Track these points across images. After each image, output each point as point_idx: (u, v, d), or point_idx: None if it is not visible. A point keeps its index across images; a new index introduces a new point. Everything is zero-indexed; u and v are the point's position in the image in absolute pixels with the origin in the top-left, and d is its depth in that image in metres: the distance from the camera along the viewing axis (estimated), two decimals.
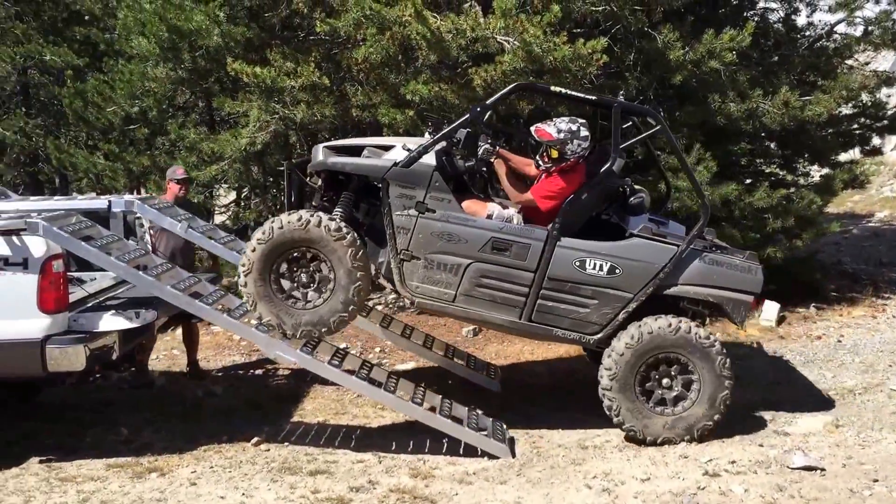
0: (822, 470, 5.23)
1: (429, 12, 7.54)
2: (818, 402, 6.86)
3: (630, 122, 6.21)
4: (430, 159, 5.62)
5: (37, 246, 5.37)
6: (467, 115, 5.65)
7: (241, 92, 9.17)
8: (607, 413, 5.72)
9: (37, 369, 5.44)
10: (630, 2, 8.09)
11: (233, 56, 8.99)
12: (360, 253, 5.55)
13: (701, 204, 5.98)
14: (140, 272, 5.55)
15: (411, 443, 5.95)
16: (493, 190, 6.34)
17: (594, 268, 5.61)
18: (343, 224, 5.56)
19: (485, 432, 5.69)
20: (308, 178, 6.08)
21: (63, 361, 5.44)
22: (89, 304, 5.88)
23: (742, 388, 7.26)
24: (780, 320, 9.40)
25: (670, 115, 9.19)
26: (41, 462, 5.73)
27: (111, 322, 5.64)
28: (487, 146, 5.84)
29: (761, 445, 5.72)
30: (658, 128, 5.80)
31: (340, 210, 5.80)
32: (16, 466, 5.63)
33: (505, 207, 5.88)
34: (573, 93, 5.86)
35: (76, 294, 5.85)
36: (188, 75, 9.80)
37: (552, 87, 5.84)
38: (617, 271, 5.63)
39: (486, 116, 5.77)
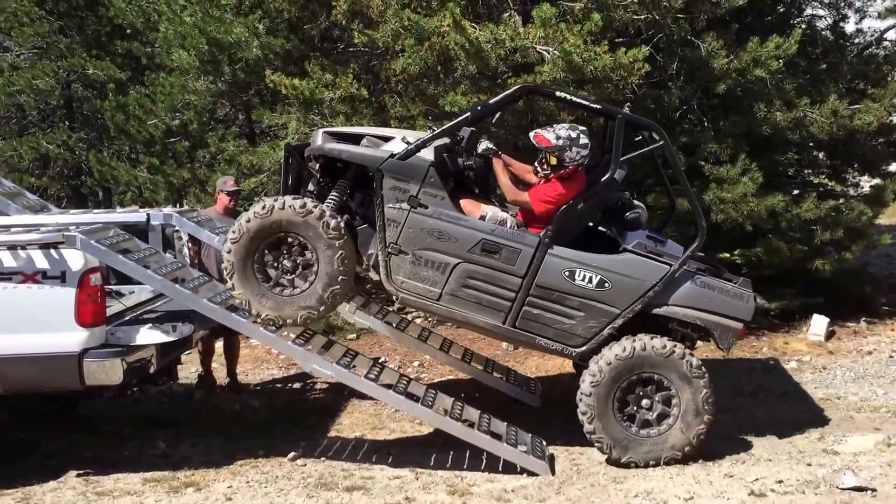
0: (874, 491, 5.04)
1: (467, 22, 7.46)
2: (869, 419, 6.62)
3: (640, 137, 6.08)
4: (427, 154, 5.52)
5: (75, 259, 5.38)
6: (468, 114, 5.56)
7: (280, 104, 9.17)
8: (579, 418, 5.59)
9: (74, 383, 5.44)
10: (673, 10, 7.94)
11: (272, 68, 9.00)
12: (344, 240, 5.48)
13: (698, 225, 5.78)
14: (176, 285, 5.53)
15: (449, 458, 5.84)
16: (491, 191, 6.23)
17: (583, 279, 5.50)
18: (333, 216, 5.47)
19: (524, 448, 5.56)
20: (307, 163, 5.97)
21: (100, 375, 5.44)
22: (127, 318, 5.88)
23: (789, 404, 7.06)
24: (830, 335, 9.12)
25: (714, 125, 9.01)
26: (79, 475, 5.73)
27: (148, 336, 5.63)
28: (489, 143, 5.78)
29: (809, 465, 5.52)
30: (661, 143, 5.64)
31: (334, 198, 5.69)
32: (54, 480, 5.64)
33: (501, 211, 5.78)
34: (578, 99, 5.76)
35: (114, 307, 5.85)
36: (228, 88, 9.84)
37: (557, 92, 5.74)
38: (606, 285, 5.51)
39: (495, 118, 5.73)
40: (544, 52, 7.51)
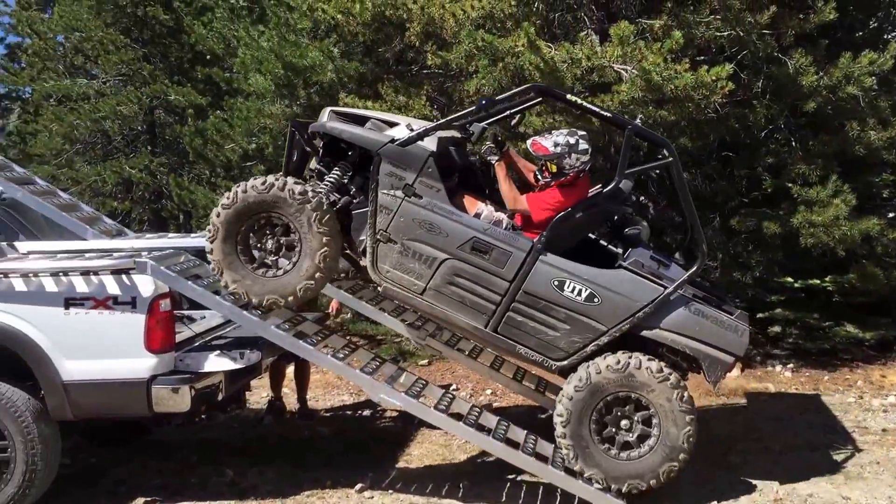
0: None
1: (542, 42, 7.28)
2: None
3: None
4: (430, 144, 5.34)
5: (145, 285, 5.34)
6: (474, 107, 5.38)
7: None
8: (554, 429, 5.35)
9: (143, 409, 5.39)
10: (758, 26, 7.61)
11: (346, 91, 8.99)
12: (326, 218, 5.32)
13: (699, 249, 5.48)
14: (245, 311, 5.44)
15: (522, 493, 5.62)
16: (492, 190, 5.94)
17: (572, 291, 5.26)
18: (309, 188, 5.35)
19: (599, 486, 5.29)
20: (312, 141, 5.79)
21: (168, 402, 5.38)
22: (196, 344, 5.83)
23: (887, 445, 6.58)
24: None
25: (803, 145, 8.60)
26: (146, 502, 5.69)
27: (216, 363, 5.55)
28: (491, 146, 5.56)
29: None
30: (670, 160, 5.37)
31: (333, 178, 5.54)
32: None
33: (497, 211, 5.58)
34: (589, 105, 5.50)
35: (183, 333, 5.81)
36: (303, 111, 9.84)
37: (568, 96, 5.52)
38: (595, 300, 5.26)
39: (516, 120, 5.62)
40: (622, 71, 7.28)
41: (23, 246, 6.84)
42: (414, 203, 5.32)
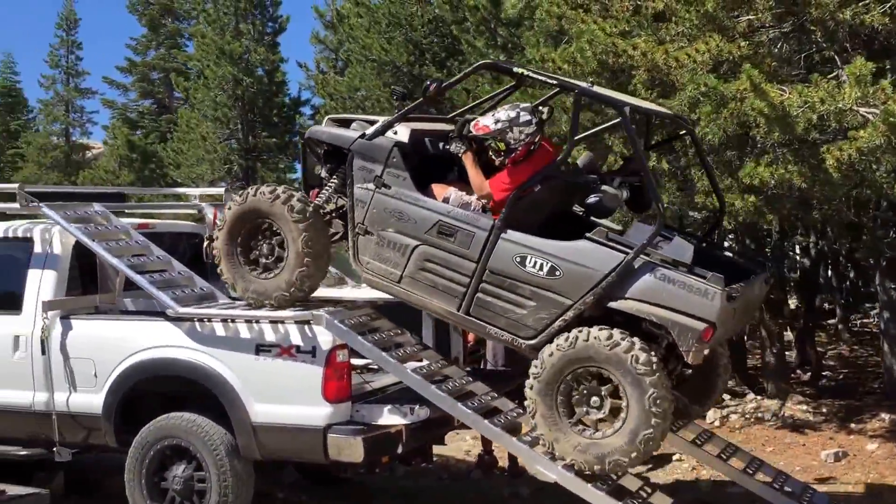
0: None
1: (769, 86, 6.59)
2: None
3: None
4: (401, 136, 5.49)
5: (324, 336, 5.55)
6: (424, 95, 5.41)
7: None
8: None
9: (319, 456, 5.58)
10: None
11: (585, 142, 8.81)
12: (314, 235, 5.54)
13: (657, 209, 5.08)
14: (408, 370, 5.44)
15: None
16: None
17: (534, 266, 5.08)
18: (301, 200, 5.57)
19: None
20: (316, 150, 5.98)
21: (343, 451, 5.52)
22: (376, 396, 5.92)
23: None
24: None
25: None
26: None
27: (389, 416, 5.61)
28: (456, 138, 5.50)
29: None
30: (619, 119, 5.23)
31: (333, 183, 5.70)
32: None
33: (467, 195, 5.48)
34: (535, 75, 5.49)
35: (364, 384, 5.93)
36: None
37: (514, 68, 5.51)
38: (557, 273, 5.04)
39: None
40: (868, 115, 6.37)
41: None
42: (384, 193, 5.46)
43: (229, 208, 5.83)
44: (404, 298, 5.57)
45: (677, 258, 4.96)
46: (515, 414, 5.59)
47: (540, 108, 5.67)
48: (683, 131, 5.17)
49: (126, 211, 7.79)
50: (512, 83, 5.97)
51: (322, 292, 6.79)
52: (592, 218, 5.53)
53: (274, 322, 5.68)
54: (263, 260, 5.74)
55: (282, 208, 5.57)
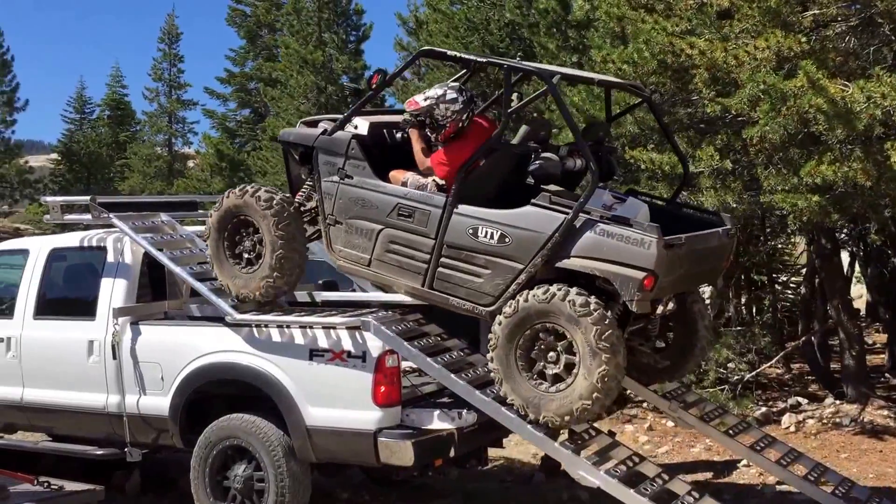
0: None
1: (829, 81, 6.39)
2: None
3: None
4: (362, 129, 5.86)
5: (374, 341, 5.67)
6: (373, 89, 5.91)
7: (646, 180, 8.80)
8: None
9: (371, 459, 5.70)
10: None
11: (652, 142, 8.74)
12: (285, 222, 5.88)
13: (588, 167, 5.27)
14: (452, 375, 5.51)
15: None
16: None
17: (486, 236, 5.37)
18: (268, 191, 5.98)
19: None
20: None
21: (393, 455, 5.62)
22: (429, 401, 6.00)
23: None
24: None
25: None
26: None
27: (439, 420, 5.69)
28: (406, 118, 5.86)
29: None
30: (546, 88, 5.44)
31: (309, 185, 6.06)
32: None
33: (423, 177, 5.74)
34: (464, 55, 5.87)
35: (413, 389, 6.03)
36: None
37: (448, 52, 5.95)
38: (507, 240, 5.31)
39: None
40: None
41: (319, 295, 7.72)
42: (348, 184, 5.82)
43: (210, 215, 6.25)
44: (374, 280, 6.00)
45: (629, 216, 5.16)
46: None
47: (467, 86, 6.07)
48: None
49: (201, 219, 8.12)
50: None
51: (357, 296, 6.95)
52: (547, 186, 5.66)
53: (326, 328, 5.84)
54: (247, 255, 6.12)
55: (252, 201, 5.99)
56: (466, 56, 5.90)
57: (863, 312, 14.52)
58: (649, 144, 8.83)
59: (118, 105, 45.88)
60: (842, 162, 6.62)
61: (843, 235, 11.21)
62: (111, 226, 6.86)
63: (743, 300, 12.25)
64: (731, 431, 6.26)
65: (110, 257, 6.73)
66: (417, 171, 5.84)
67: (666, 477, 5.29)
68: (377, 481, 7.44)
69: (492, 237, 5.36)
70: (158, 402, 6.34)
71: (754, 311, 12.33)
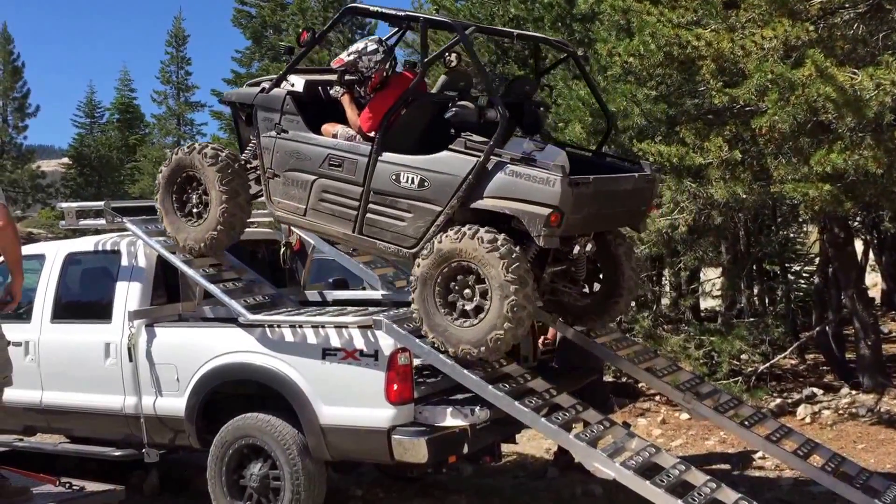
0: None
1: (837, 69, 6.37)
2: None
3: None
4: (297, 86, 6.18)
5: (386, 340, 5.69)
6: (303, 46, 6.15)
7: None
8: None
9: (386, 457, 5.71)
10: None
11: (660, 134, 8.74)
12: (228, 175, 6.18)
13: (498, 112, 5.47)
14: (465, 371, 5.53)
15: None
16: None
17: (407, 181, 5.65)
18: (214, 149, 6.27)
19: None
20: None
21: (407, 452, 5.63)
22: (441, 398, 6.01)
23: None
24: None
25: None
26: None
27: (452, 417, 5.70)
28: (337, 87, 6.10)
29: None
30: (457, 38, 5.60)
31: (255, 143, 6.30)
32: None
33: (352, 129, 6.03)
34: (385, 10, 6.04)
35: (426, 386, 6.04)
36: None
37: (371, 7, 6.16)
38: (426, 184, 5.59)
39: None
40: None
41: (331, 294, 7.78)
42: (283, 138, 6.11)
43: (159, 171, 6.58)
44: (310, 228, 6.33)
45: (548, 161, 5.36)
46: (577, 410, 5.61)
47: (387, 41, 6.33)
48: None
49: None
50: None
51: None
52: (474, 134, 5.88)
53: (338, 327, 5.87)
54: (195, 210, 6.44)
55: (198, 157, 6.29)
56: (387, 11, 6.12)
57: (878, 301, 14.48)
58: (657, 136, 8.84)
59: (127, 108, 46.14)
60: (852, 150, 6.61)
61: (856, 224, 11.19)
62: (125, 230, 6.92)
63: (755, 291, 12.22)
64: (746, 422, 6.25)
65: (124, 261, 6.79)
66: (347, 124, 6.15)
67: (682, 467, 5.28)
68: (392, 477, 7.48)
69: (412, 182, 5.64)
70: (174, 403, 6.38)
71: (767, 301, 12.30)
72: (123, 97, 46.59)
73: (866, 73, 6.39)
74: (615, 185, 5.72)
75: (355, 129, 6.03)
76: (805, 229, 12.40)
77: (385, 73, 6.07)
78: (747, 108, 7.58)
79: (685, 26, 7.70)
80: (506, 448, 7.62)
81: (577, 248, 5.64)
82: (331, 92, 6.23)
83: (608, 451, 5.22)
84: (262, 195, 6.42)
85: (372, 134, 5.86)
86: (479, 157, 5.41)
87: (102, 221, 6.99)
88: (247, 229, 8.10)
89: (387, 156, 5.77)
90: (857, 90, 6.35)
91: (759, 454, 7.64)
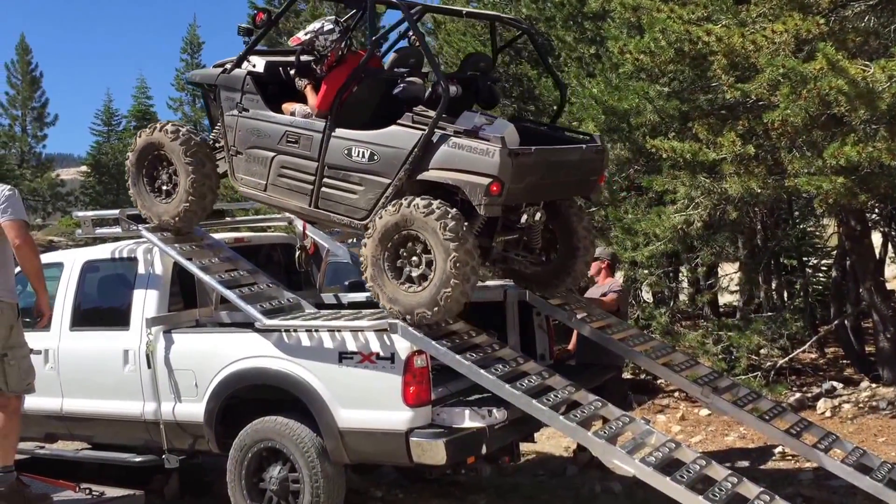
0: None
1: (849, 63, 6.34)
2: None
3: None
4: (259, 67, 6.42)
5: (402, 343, 5.71)
6: (258, 27, 6.40)
7: (668, 168, 8.77)
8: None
9: (404, 459, 5.73)
10: None
11: (673, 131, 8.71)
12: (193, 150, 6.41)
13: (442, 86, 5.65)
14: (482, 371, 5.54)
15: None
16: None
17: (359, 155, 5.85)
18: (181, 125, 6.54)
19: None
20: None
21: (426, 454, 5.65)
22: (458, 399, 6.02)
23: None
24: None
25: None
26: None
27: (470, 419, 5.72)
28: (299, 80, 6.28)
29: None
30: (403, 18, 5.88)
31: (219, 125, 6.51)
32: None
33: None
34: None
35: (443, 389, 6.05)
36: (633, 155, 9.69)
37: None
38: (375, 157, 5.79)
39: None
40: None
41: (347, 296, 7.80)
42: (245, 116, 6.33)
43: (128, 157, 6.84)
44: (269, 203, 6.49)
45: (494, 132, 5.53)
46: (595, 407, 5.61)
47: (342, 21, 6.49)
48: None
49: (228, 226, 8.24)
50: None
51: None
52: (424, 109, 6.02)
53: (355, 331, 5.90)
54: (164, 187, 6.67)
55: (161, 135, 6.55)
56: None
57: None
58: (670, 133, 8.82)
59: (144, 115, 46.38)
60: (866, 142, 6.58)
61: (873, 216, 11.12)
62: (141, 237, 6.98)
63: (773, 285, 12.16)
64: (765, 416, 6.23)
65: (141, 268, 6.84)
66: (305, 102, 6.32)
67: (703, 462, 5.27)
68: (411, 478, 7.50)
69: (363, 156, 5.85)
70: (193, 409, 6.42)
71: (785, 295, 12.25)
72: (140, 105, 46.89)
73: (878, 66, 6.36)
74: (560, 155, 5.88)
75: (313, 109, 6.20)
76: (822, 222, 12.34)
77: (341, 52, 6.27)
78: (760, 103, 7.56)
79: (696, 22, 7.68)
80: (525, 447, 7.64)
81: (524, 217, 5.83)
82: (296, 84, 6.39)
83: (627, 448, 5.22)
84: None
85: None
86: (425, 130, 5.62)
87: (119, 229, 7.05)
88: (262, 234, 8.18)
89: (340, 131, 5.98)
90: (870, 83, 6.33)
91: (779, 450, 7.62)
